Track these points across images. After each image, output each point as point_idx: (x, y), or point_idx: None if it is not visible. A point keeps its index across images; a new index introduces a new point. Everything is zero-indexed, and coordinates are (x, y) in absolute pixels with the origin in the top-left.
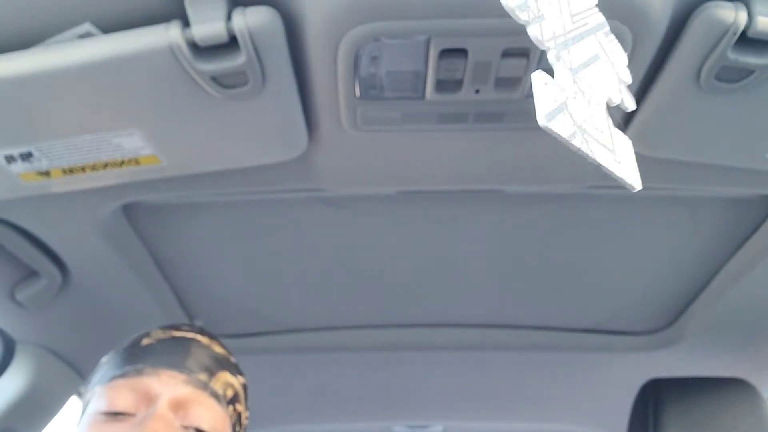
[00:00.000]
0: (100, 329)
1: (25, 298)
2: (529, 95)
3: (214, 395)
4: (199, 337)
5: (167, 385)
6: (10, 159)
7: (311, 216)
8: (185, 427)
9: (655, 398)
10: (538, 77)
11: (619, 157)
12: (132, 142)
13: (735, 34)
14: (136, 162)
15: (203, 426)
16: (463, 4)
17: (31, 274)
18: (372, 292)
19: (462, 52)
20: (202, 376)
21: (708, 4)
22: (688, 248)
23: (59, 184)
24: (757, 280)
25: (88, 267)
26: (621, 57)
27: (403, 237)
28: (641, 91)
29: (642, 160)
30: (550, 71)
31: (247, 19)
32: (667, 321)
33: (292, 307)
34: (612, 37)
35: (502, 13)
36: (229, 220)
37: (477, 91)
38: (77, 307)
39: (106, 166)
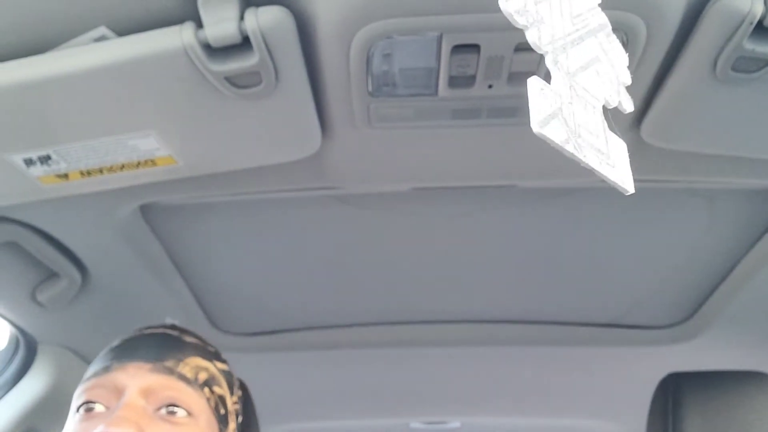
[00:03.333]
0: (120, 328)
1: (46, 299)
2: None
3: (183, 378)
4: (168, 331)
5: (134, 376)
6: (29, 162)
7: (325, 214)
8: (158, 411)
9: (674, 392)
10: (533, 83)
11: (612, 161)
12: (148, 144)
13: (751, 23)
14: (153, 163)
15: (176, 403)
16: (475, 0)
17: (52, 275)
18: (387, 289)
19: (474, 48)
20: (169, 363)
21: None
22: (705, 241)
23: (77, 186)
24: None
25: (106, 267)
26: (621, 57)
27: (418, 234)
28: (657, 82)
29: (658, 153)
30: None
31: (259, 19)
32: (686, 314)
33: (307, 304)
34: (613, 37)
35: None
36: (244, 219)
37: (490, 86)
38: (97, 307)
39: (122, 167)
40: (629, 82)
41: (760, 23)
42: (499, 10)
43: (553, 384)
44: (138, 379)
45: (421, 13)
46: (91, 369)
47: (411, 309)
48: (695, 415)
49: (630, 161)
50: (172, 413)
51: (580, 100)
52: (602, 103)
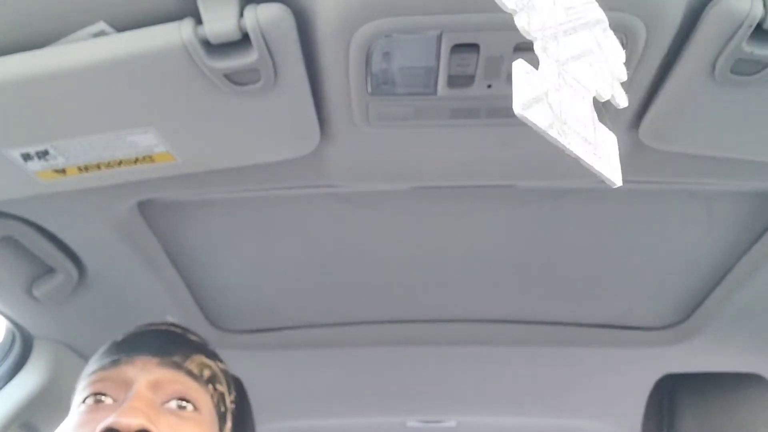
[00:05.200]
0: (116, 324)
1: (42, 294)
2: None
3: (190, 374)
4: (172, 328)
5: (143, 370)
6: (26, 157)
7: (324, 212)
8: (165, 404)
9: (669, 393)
10: (518, 66)
11: (599, 152)
12: (146, 140)
13: (750, 26)
14: (151, 159)
15: (184, 397)
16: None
17: (48, 270)
18: (384, 288)
19: (474, 47)
20: (176, 358)
21: None
22: (703, 243)
23: (75, 182)
24: None
25: (103, 263)
26: (617, 53)
27: (416, 233)
28: (655, 84)
29: (657, 155)
30: None
31: (259, 16)
32: (682, 316)
33: (305, 302)
34: (610, 32)
35: None
36: (242, 216)
37: (489, 86)
38: (93, 303)
39: (120, 163)
40: (625, 78)
41: (759, 26)
42: (498, 10)
43: (549, 384)
44: (146, 372)
45: (421, 12)
46: (97, 362)
47: (408, 308)
48: (690, 416)
49: (628, 163)
50: (182, 407)
51: (569, 88)
52: (593, 94)
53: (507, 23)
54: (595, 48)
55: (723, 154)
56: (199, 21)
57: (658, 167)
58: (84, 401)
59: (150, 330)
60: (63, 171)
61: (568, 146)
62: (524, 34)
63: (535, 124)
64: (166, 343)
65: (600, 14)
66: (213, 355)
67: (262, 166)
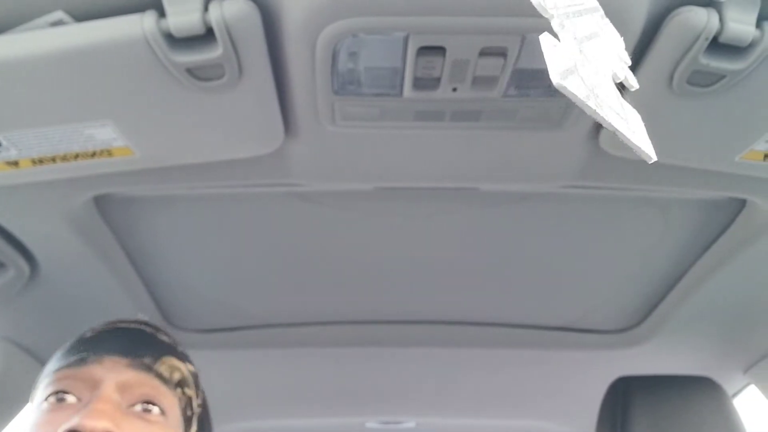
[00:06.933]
0: (70, 323)
1: None
2: (506, 95)
3: (160, 377)
4: (142, 327)
5: (111, 370)
6: None
7: (287, 211)
8: (131, 407)
9: (623, 395)
10: (545, 39)
11: (633, 127)
12: (104, 134)
13: (707, 39)
14: (109, 153)
15: (151, 401)
16: (442, 2)
17: None
18: (346, 288)
19: (440, 50)
20: (147, 360)
21: (681, 8)
22: (658, 248)
23: (28, 174)
24: (724, 281)
25: (57, 259)
26: (618, 40)
27: (379, 233)
28: None
29: (616, 161)
30: (525, 71)
31: (224, 11)
32: (637, 320)
33: (266, 302)
34: (608, 21)
35: (481, 12)
36: (203, 213)
37: (454, 90)
38: (46, 300)
39: (77, 157)
40: (629, 62)
41: (715, 39)
42: (465, 13)
43: (506, 385)
44: (115, 373)
45: (389, 13)
46: (62, 360)
47: (368, 309)
48: (643, 417)
49: (588, 168)
50: (148, 411)
51: (591, 65)
52: (610, 73)
53: (473, 27)
54: (600, 32)
55: (679, 162)
56: (162, 14)
57: (618, 173)
58: (46, 399)
59: (120, 328)
60: (16, 163)
61: (606, 119)
62: (540, 11)
63: (574, 95)
64: (136, 343)
65: (596, 3)
66: (184, 357)
67: (224, 163)
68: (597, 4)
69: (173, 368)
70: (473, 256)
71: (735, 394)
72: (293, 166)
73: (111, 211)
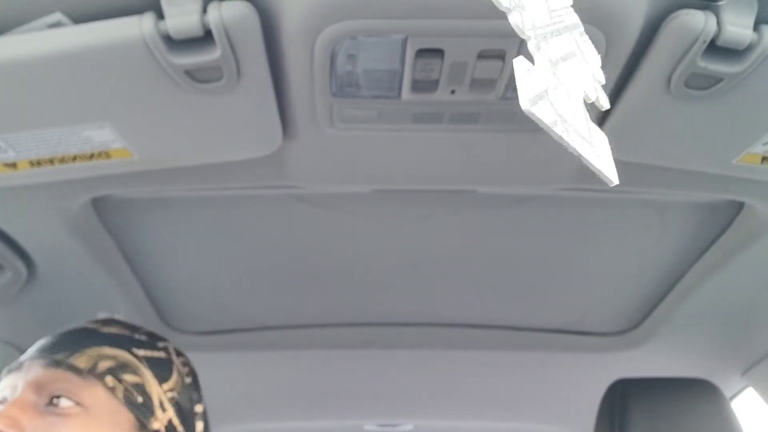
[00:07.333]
0: (67, 325)
1: None
2: (504, 97)
3: (72, 369)
4: (91, 325)
5: (27, 372)
6: None
7: (285, 213)
8: (48, 405)
9: (621, 398)
10: (520, 63)
11: (597, 151)
12: (102, 135)
13: (704, 42)
14: (107, 155)
15: (60, 394)
16: (441, 5)
17: None
18: (344, 291)
19: (438, 53)
20: (59, 356)
21: (679, 11)
22: (655, 251)
23: (26, 176)
24: (722, 283)
25: (55, 261)
26: (595, 57)
27: (377, 235)
28: (613, 95)
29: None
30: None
31: (222, 13)
32: (635, 322)
33: (263, 304)
34: (586, 37)
35: (479, 15)
36: (201, 215)
37: (453, 92)
38: (43, 302)
39: (75, 158)
40: (603, 81)
41: (713, 42)
42: (464, 16)
43: (504, 388)
44: (30, 374)
45: (387, 16)
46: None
47: (366, 311)
48: (641, 420)
49: (586, 171)
50: (55, 405)
51: (562, 87)
52: (582, 95)
53: (472, 30)
54: (577, 51)
55: (677, 165)
56: (160, 15)
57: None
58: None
59: (65, 331)
60: (14, 165)
61: (571, 144)
62: (518, 32)
63: (541, 121)
64: (59, 341)
65: (576, 19)
66: (131, 344)
67: (222, 165)
68: (578, 20)
69: (99, 357)
70: (471, 258)
71: (733, 397)
72: (291, 168)
73: (109, 213)
